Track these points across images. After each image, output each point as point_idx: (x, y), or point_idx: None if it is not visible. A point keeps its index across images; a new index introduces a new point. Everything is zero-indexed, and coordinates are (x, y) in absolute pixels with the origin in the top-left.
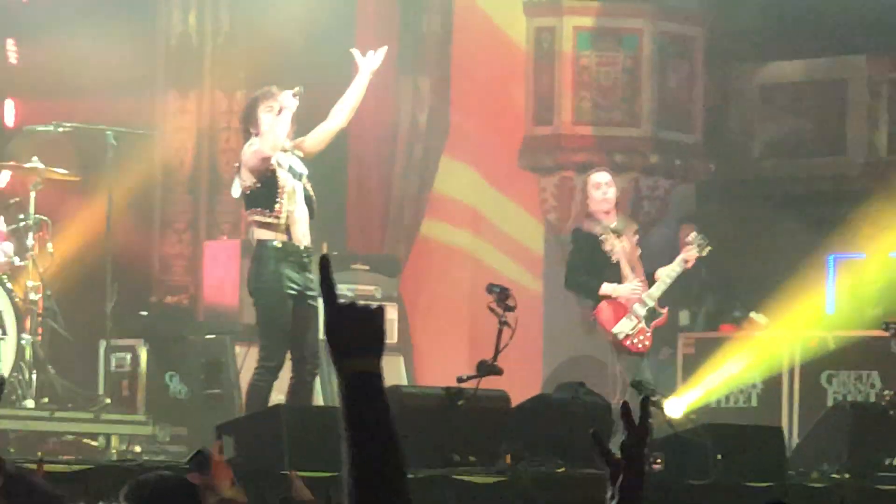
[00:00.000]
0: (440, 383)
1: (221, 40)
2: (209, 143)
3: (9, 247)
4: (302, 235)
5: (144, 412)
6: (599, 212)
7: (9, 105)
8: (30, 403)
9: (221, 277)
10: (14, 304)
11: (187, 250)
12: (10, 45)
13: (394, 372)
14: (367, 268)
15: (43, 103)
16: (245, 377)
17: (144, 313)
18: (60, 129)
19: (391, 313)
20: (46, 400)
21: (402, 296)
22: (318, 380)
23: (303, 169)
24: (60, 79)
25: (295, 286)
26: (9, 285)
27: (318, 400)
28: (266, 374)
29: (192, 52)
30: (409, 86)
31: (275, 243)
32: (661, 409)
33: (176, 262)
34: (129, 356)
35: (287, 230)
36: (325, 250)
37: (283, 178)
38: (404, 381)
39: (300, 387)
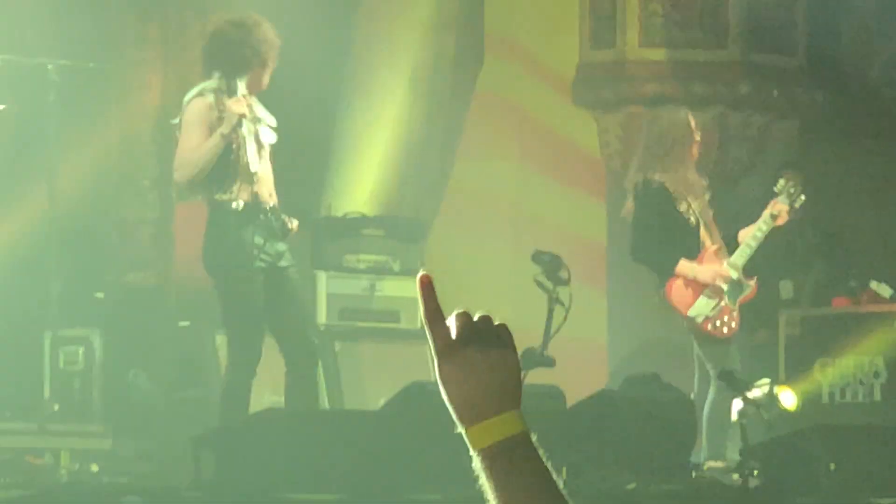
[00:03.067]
0: None
1: None
2: (179, 80)
3: None
4: (268, 195)
5: (102, 420)
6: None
7: None
8: None
9: (198, 249)
10: None
11: (153, 214)
12: None
13: (419, 364)
14: (381, 233)
15: None
16: None
17: (100, 295)
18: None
19: (414, 290)
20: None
21: (428, 267)
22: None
23: (270, 120)
24: None
25: (265, 256)
26: None
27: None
28: (240, 370)
29: None
30: (432, 5)
31: (234, 205)
32: (757, 406)
33: (139, 230)
34: (81, 350)
35: (249, 190)
36: (326, 211)
37: (246, 138)
38: (432, 376)
39: (298, 383)
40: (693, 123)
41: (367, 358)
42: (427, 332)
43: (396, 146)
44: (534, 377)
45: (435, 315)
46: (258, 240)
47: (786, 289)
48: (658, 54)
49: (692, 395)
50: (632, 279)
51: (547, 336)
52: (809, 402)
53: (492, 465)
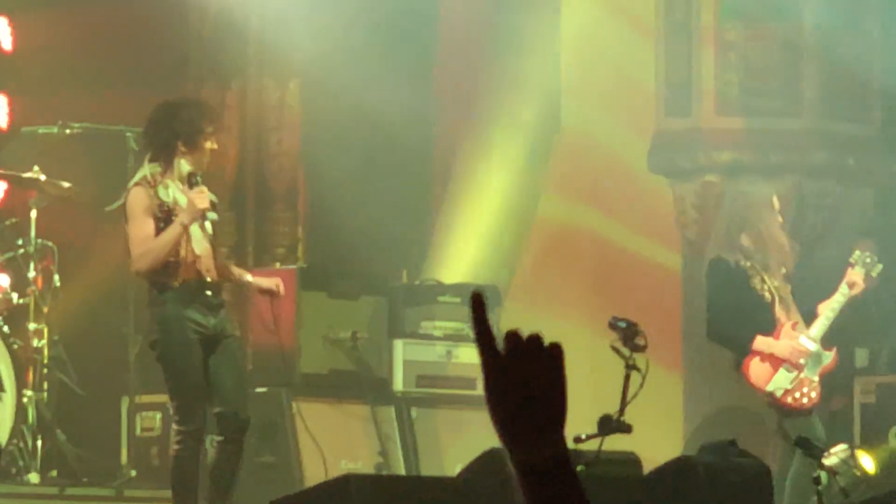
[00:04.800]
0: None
1: (272, 17)
2: (256, 147)
3: (5, 280)
4: (206, 270)
5: None
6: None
7: (1, 102)
8: (34, 478)
9: (274, 315)
10: (12, 353)
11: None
12: (3, 25)
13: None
14: (457, 300)
15: (44, 99)
16: (307, 441)
17: None
18: (67, 131)
19: None
20: (55, 473)
21: (503, 335)
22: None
23: (213, 197)
24: (66, 67)
25: (201, 329)
26: (6, 329)
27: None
28: (187, 440)
29: (233, 33)
30: (509, 70)
31: (172, 283)
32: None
33: None
34: (158, 416)
35: (192, 269)
36: (404, 279)
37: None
38: None
39: (226, 448)
40: (777, 204)
41: (443, 424)
42: (477, 350)
43: (476, 213)
44: (610, 443)
45: (484, 332)
46: (194, 315)
47: (861, 356)
48: (734, 123)
49: (770, 463)
50: (708, 345)
51: (623, 402)
52: (884, 469)
53: (529, 483)
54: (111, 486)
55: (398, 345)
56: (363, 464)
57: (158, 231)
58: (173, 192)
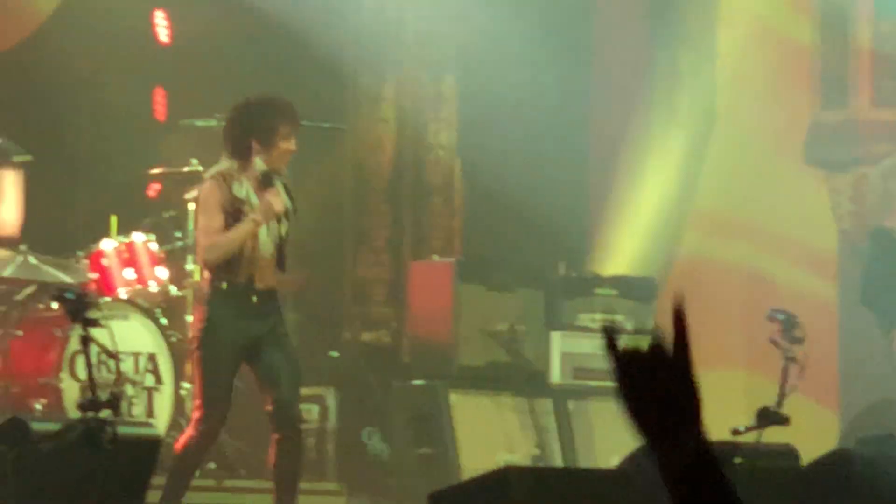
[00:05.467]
0: (711, 435)
1: (428, 9)
2: (413, 139)
3: (163, 273)
4: (259, 276)
5: (336, 479)
6: None
7: (159, 94)
8: None
9: (431, 307)
10: (170, 346)
11: (388, 274)
12: (160, 18)
13: None
14: (615, 292)
15: (201, 91)
16: (464, 432)
17: (335, 354)
18: (225, 123)
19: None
20: (213, 466)
21: (660, 327)
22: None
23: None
24: (222, 60)
25: (241, 335)
26: (163, 321)
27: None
28: (200, 437)
29: (390, 25)
30: (666, 63)
31: (222, 284)
32: None
33: (374, 289)
34: (316, 408)
35: (248, 272)
36: (561, 271)
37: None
38: None
39: (283, 445)
40: None
41: (599, 416)
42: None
43: (635, 206)
44: (768, 436)
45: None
46: (239, 320)
47: None
48: (890, 114)
49: None
50: (865, 334)
51: (782, 395)
52: None
53: (673, 479)
54: (268, 479)
55: (555, 337)
56: (520, 456)
57: (227, 226)
58: (247, 189)
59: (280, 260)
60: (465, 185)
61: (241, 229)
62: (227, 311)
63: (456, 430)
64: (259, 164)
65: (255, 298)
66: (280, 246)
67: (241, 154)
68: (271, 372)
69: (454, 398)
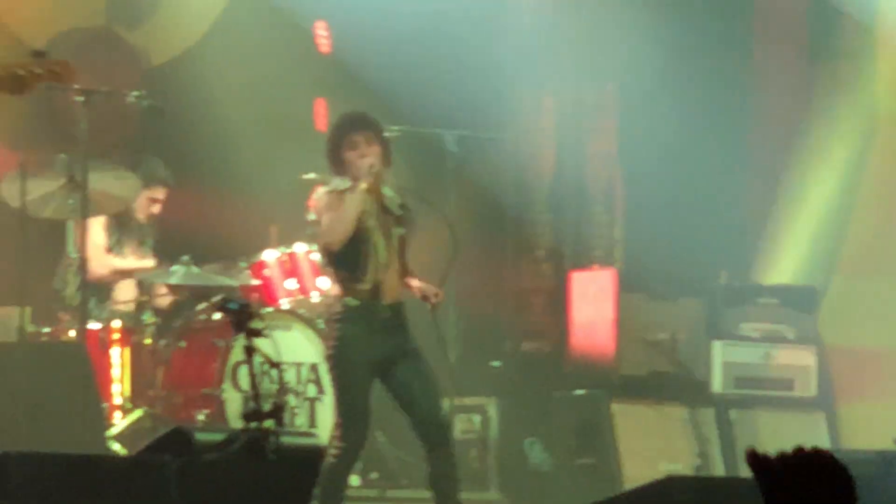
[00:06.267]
0: (873, 445)
1: (587, 20)
2: (574, 149)
3: (325, 283)
4: (385, 291)
5: (498, 489)
6: None
7: (320, 105)
8: (355, 480)
9: (593, 317)
10: None
11: (549, 284)
12: (321, 29)
13: (813, 432)
14: (776, 301)
15: (362, 101)
16: (626, 442)
17: (496, 364)
18: (386, 134)
19: (807, 359)
20: (375, 475)
21: (823, 336)
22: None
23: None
24: (381, 70)
25: (373, 352)
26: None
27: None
28: (343, 455)
29: (549, 36)
30: (826, 73)
31: (352, 301)
32: None
33: (535, 299)
34: (477, 418)
35: (372, 281)
36: (723, 280)
37: (373, 231)
38: (826, 444)
39: (434, 461)
40: None
41: (761, 426)
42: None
43: (796, 215)
44: None
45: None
46: (372, 338)
47: None
48: None
49: None
50: None
51: None
52: None
53: None
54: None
55: (717, 346)
56: (682, 465)
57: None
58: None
59: (403, 268)
60: (627, 195)
61: (352, 200)
62: (357, 329)
63: (617, 440)
64: (340, 181)
65: (382, 315)
66: (402, 251)
67: (336, 169)
68: (404, 390)
69: (616, 408)
